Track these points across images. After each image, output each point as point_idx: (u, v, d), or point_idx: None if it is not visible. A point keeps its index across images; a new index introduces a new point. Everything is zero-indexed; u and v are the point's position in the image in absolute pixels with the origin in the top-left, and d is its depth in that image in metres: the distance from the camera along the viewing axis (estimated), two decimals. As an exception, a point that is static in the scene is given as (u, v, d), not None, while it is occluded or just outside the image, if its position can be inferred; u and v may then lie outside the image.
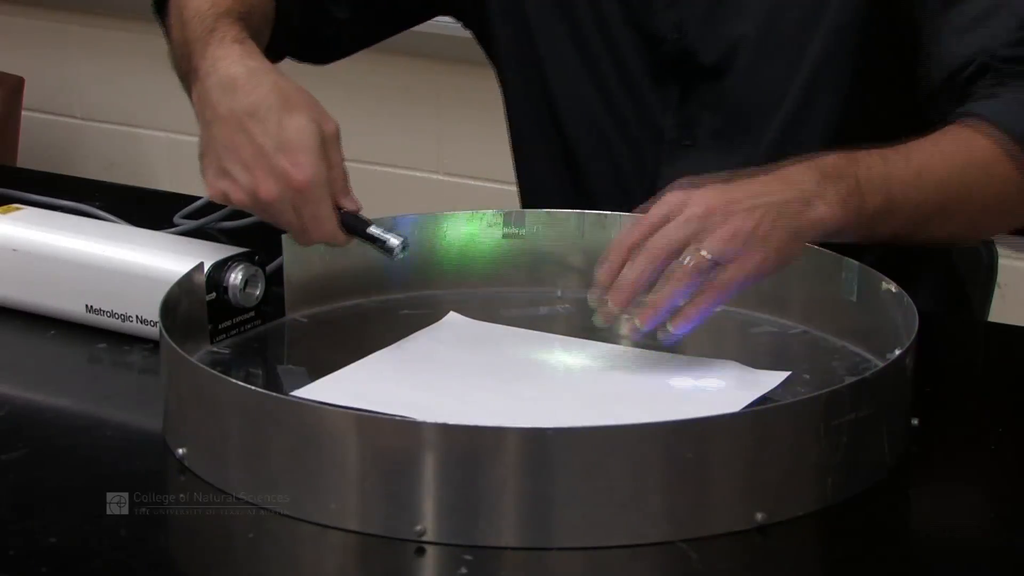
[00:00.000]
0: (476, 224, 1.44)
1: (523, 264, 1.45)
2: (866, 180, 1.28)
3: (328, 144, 1.27)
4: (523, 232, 1.45)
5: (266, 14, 1.46)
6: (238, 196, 1.27)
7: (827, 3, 1.46)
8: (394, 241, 1.29)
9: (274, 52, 1.45)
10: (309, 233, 1.28)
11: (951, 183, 1.33)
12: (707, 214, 1.21)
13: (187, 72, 1.35)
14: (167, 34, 1.46)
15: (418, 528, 1.07)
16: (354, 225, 1.29)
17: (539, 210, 1.46)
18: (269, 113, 1.26)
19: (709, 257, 1.21)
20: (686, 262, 1.21)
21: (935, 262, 1.60)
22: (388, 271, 1.42)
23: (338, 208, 1.28)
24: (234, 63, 1.29)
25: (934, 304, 1.55)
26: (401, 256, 1.30)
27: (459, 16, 1.67)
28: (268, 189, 1.25)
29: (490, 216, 1.44)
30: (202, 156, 1.29)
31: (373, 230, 1.30)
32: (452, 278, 1.43)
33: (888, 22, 1.46)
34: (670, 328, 1.23)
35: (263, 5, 1.45)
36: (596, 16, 1.54)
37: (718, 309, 1.24)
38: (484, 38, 1.67)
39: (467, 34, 1.70)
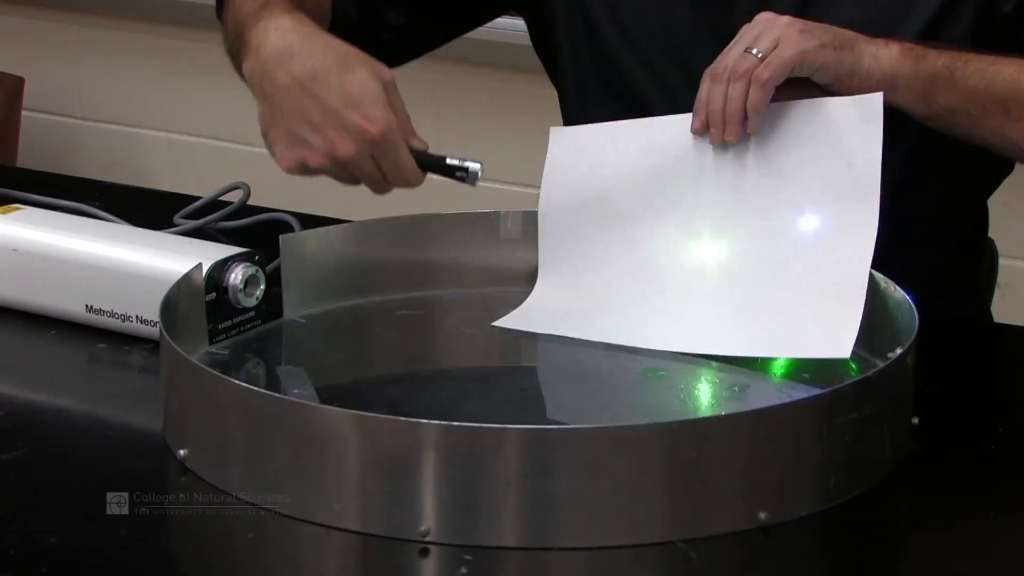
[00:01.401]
0: (475, 224, 1.44)
1: (522, 264, 1.44)
2: (933, 47, 1.35)
3: (390, 92, 1.28)
4: (522, 232, 1.44)
5: (320, 5, 1.45)
6: (316, 160, 1.28)
7: (904, 19, 1.45)
8: (474, 166, 1.31)
9: None
10: (390, 181, 1.29)
11: (1021, 84, 1.35)
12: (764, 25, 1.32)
13: (238, 50, 1.34)
14: (224, 30, 1.46)
15: (422, 529, 1.07)
16: (430, 162, 1.31)
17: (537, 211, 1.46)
18: (330, 74, 1.26)
19: (754, 51, 1.30)
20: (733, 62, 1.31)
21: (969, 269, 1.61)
22: (386, 272, 1.42)
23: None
24: (286, 32, 1.29)
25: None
26: (476, 183, 1.32)
27: (519, 10, 1.65)
28: (346, 146, 1.26)
29: (490, 216, 1.44)
30: (266, 131, 1.30)
31: (451, 160, 1.31)
32: (451, 278, 1.43)
33: (966, 27, 1.45)
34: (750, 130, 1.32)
35: (320, 6, 1.44)
36: (664, 23, 1.52)
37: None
38: (541, 35, 1.64)
39: (467, 34, 1.69)
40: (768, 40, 1.31)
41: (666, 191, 1.36)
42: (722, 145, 1.33)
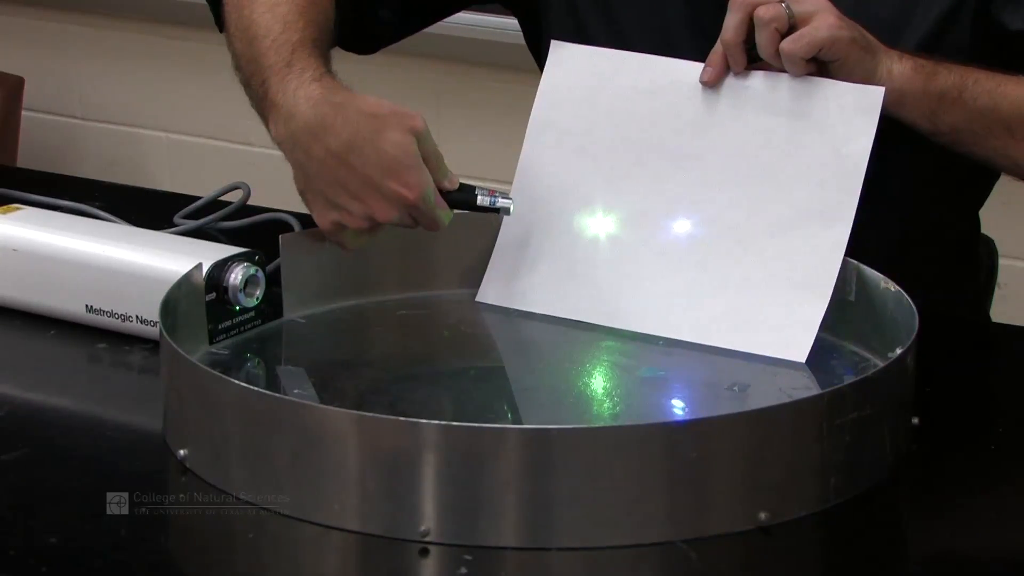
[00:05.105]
0: (475, 224, 1.43)
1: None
2: (944, 64, 1.35)
3: (422, 143, 1.29)
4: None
5: (331, 27, 1.43)
6: (355, 223, 1.30)
7: (904, 27, 1.44)
8: (505, 203, 1.34)
9: None
10: (422, 227, 1.31)
11: None
12: None
13: (261, 97, 1.34)
14: (219, 22, 1.45)
15: (422, 529, 1.07)
16: (462, 201, 1.33)
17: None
18: (365, 144, 1.27)
19: (784, 3, 1.31)
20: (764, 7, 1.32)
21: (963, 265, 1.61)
22: (386, 272, 1.42)
23: (440, 190, 1.31)
24: (318, 104, 1.29)
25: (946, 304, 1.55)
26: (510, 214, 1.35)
27: (512, 9, 1.65)
28: (384, 211, 1.28)
29: (490, 216, 1.44)
30: (303, 192, 1.31)
31: (481, 202, 1.33)
32: (451, 278, 1.43)
33: (971, 27, 1.44)
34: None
35: (328, 19, 1.43)
36: (655, 22, 1.51)
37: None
38: (533, 34, 1.64)
39: (467, 34, 1.69)
40: (806, 5, 1.31)
41: (651, 139, 1.37)
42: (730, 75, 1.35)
